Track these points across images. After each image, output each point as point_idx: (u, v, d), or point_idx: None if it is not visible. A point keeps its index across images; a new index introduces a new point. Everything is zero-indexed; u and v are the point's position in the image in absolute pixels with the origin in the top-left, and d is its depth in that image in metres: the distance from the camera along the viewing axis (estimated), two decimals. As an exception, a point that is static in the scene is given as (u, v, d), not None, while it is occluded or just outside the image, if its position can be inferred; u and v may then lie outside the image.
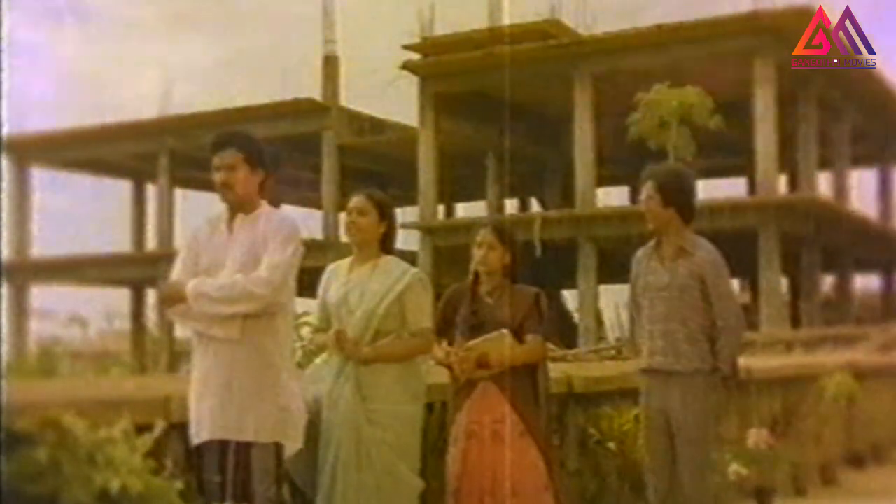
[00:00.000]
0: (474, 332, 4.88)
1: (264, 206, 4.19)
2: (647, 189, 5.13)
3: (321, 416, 4.44)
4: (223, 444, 3.96)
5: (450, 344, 4.95)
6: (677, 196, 5.10)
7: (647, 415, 5.21)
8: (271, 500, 4.00)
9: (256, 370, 4.01)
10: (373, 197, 4.72)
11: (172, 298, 4.01)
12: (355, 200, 4.70)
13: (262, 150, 4.21)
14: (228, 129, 4.33)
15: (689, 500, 4.99)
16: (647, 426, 5.24)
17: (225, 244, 4.10)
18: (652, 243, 5.24)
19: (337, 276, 4.68)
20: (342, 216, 4.79)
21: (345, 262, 4.73)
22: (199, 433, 3.98)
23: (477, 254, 4.96)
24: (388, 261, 4.67)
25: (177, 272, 4.09)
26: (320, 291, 4.70)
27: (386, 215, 4.71)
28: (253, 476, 3.96)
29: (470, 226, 5.22)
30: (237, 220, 4.13)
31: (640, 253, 5.27)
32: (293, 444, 4.14)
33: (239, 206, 4.13)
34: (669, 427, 5.05)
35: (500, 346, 4.83)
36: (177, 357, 35.91)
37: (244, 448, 3.96)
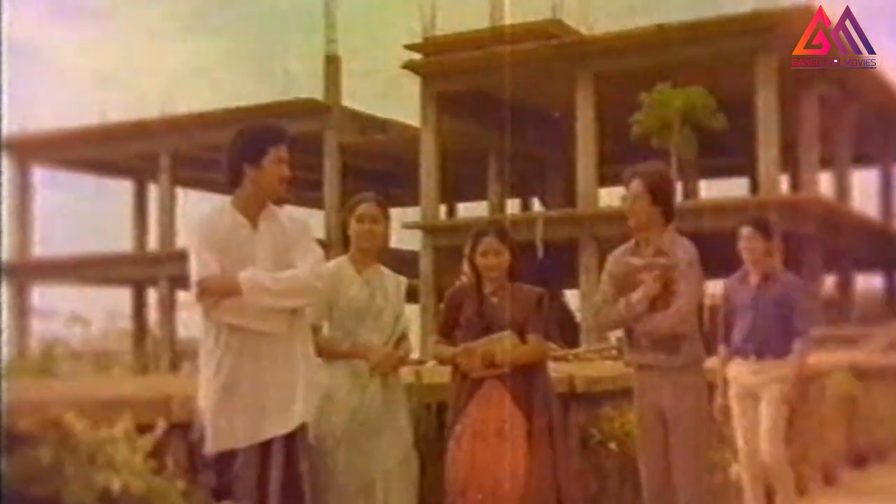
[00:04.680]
0: (482, 333, 4.89)
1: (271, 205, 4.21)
2: (633, 187, 5.10)
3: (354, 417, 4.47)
4: (264, 444, 3.90)
5: (453, 345, 4.96)
6: (664, 196, 5.09)
7: (640, 410, 5.20)
8: (304, 477, 4.01)
9: (299, 361, 4.01)
10: (381, 203, 4.75)
11: (224, 291, 3.91)
12: (366, 207, 4.70)
13: None
14: (277, 123, 4.33)
15: (684, 498, 4.97)
16: (640, 422, 5.22)
17: (250, 239, 4.04)
18: (631, 244, 5.21)
19: (349, 277, 4.61)
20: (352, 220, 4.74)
21: (344, 262, 4.66)
22: (256, 433, 3.89)
23: (482, 262, 4.96)
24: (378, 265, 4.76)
25: (208, 266, 3.95)
26: (332, 293, 4.55)
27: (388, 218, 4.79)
28: (299, 457, 3.98)
29: (471, 226, 5.19)
30: (261, 216, 4.11)
31: (618, 252, 5.25)
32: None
33: (261, 203, 4.11)
34: (664, 422, 5.04)
35: (503, 345, 4.85)
36: (178, 356, 35.95)
37: (290, 441, 3.95)
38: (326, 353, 4.48)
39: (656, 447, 5.08)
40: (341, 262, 4.64)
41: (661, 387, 5.03)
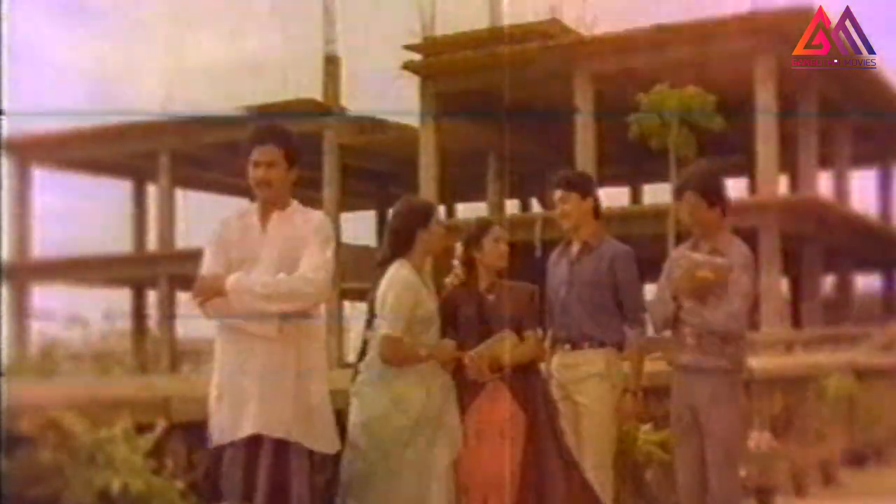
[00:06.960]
0: (480, 332, 4.91)
1: (295, 204, 4.17)
2: (688, 198, 5.07)
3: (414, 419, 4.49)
4: (250, 444, 3.92)
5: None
6: (719, 196, 5.10)
7: (676, 413, 5.17)
8: (303, 501, 3.98)
9: (291, 369, 3.99)
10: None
11: (211, 291, 3.97)
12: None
13: (299, 147, 4.18)
14: (267, 123, 4.26)
15: (715, 500, 4.96)
16: (676, 424, 5.19)
17: (258, 240, 4.06)
18: (689, 242, 5.19)
19: (425, 290, 4.61)
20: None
21: (413, 271, 4.59)
22: (235, 430, 3.93)
23: (497, 250, 4.99)
24: None
25: (208, 266, 4.03)
26: (411, 302, 4.52)
27: None
28: (290, 475, 3.96)
29: (471, 226, 5.20)
30: (272, 217, 4.10)
31: (683, 247, 5.20)
32: (322, 447, 4.12)
33: (273, 203, 4.10)
34: (699, 425, 5.01)
35: (507, 346, 4.87)
36: (178, 357, 35.94)
37: (280, 446, 3.95)
38: (408, 359, 4.50)
39: (692, 450, 5.05)
40: (410, 270, 4.58)
41: (698, 390, 4.99)
